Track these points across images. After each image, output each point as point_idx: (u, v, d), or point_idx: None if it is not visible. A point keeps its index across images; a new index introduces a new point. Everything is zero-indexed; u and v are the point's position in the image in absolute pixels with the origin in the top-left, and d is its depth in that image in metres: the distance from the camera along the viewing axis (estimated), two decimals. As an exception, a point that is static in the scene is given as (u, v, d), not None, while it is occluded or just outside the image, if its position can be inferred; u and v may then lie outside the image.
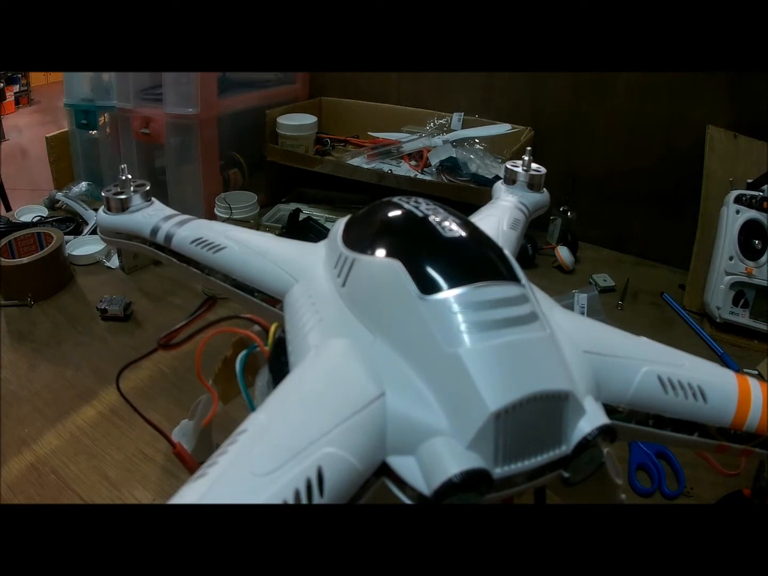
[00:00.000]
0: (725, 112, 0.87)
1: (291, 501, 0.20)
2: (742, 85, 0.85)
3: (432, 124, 1.08)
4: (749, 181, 0.80)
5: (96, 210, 0.57)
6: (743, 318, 0.78)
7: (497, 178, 0.80)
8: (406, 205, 0.31)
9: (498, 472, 0.23)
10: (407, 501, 0.23)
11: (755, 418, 0.28)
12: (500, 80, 1.04)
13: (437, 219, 0.30)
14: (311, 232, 0.92)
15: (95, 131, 1.07)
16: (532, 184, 0.52)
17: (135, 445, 0.57)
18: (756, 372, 0.71)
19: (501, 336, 0.24)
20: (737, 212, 0.78)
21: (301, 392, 0.25)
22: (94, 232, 0.97)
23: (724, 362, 0.74)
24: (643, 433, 0.29)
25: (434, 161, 0.99)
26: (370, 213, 0.33)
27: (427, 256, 0.27)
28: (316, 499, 0.20)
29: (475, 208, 0.48)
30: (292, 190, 1.15)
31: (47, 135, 1.13)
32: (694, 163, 0.87)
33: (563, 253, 0.94)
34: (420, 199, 0.32)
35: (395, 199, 0.33)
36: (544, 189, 0.53)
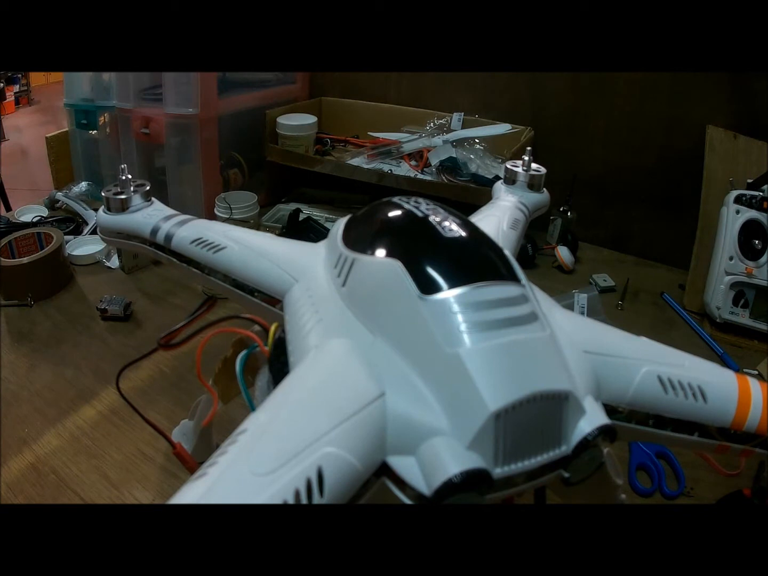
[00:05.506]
0: (725, 112, 0.87)
1: (291, 501, 0.20)
2: (742, 85, 0.85)
3: (432, 124, 1.08)
4: (749, 181, 0.80)
5: (96, 210, 0.57)
6: (743, 318, 0.78)
7: (497, 178, 0.81)
8: (406, 205, 0.31)
9: (498, 472, 0.23)
10: (407, 501, 0.23)
11: (755, 418, 0.28)
12: (500, 80, 1.04)
13: (437, 219, 0.30)
14: (311, 232, 0.92)
15: (95, 131, 1.07)
16: (532, 184, 0.53)
17: (135, 445, 0.57)
18: (756, 372, 0.71)
19: (501, 336, 0.24)
20: (737, 212, 0.78)
21: (301, 392, 0.25)
22: (94, 232, 0.97)
23: (724, 362, 0.74)
24: (643, 433, 0.29)
25: (434, 161, 0.99)
26: (370, 213, 0.33)
27: (427, 256, 0.27)
28: (316, 499, 0.20)
29: (475, 208, 0.48)
30: (292, 190, 1.15)
31: (47, 135, 1.13)
32: (694, 163, 0.87)
33: (563, 253, 0.94)
34: (420, 199, 0.32)
35: (395, 199, 0.33)
36: (544, 189, 0.53)
